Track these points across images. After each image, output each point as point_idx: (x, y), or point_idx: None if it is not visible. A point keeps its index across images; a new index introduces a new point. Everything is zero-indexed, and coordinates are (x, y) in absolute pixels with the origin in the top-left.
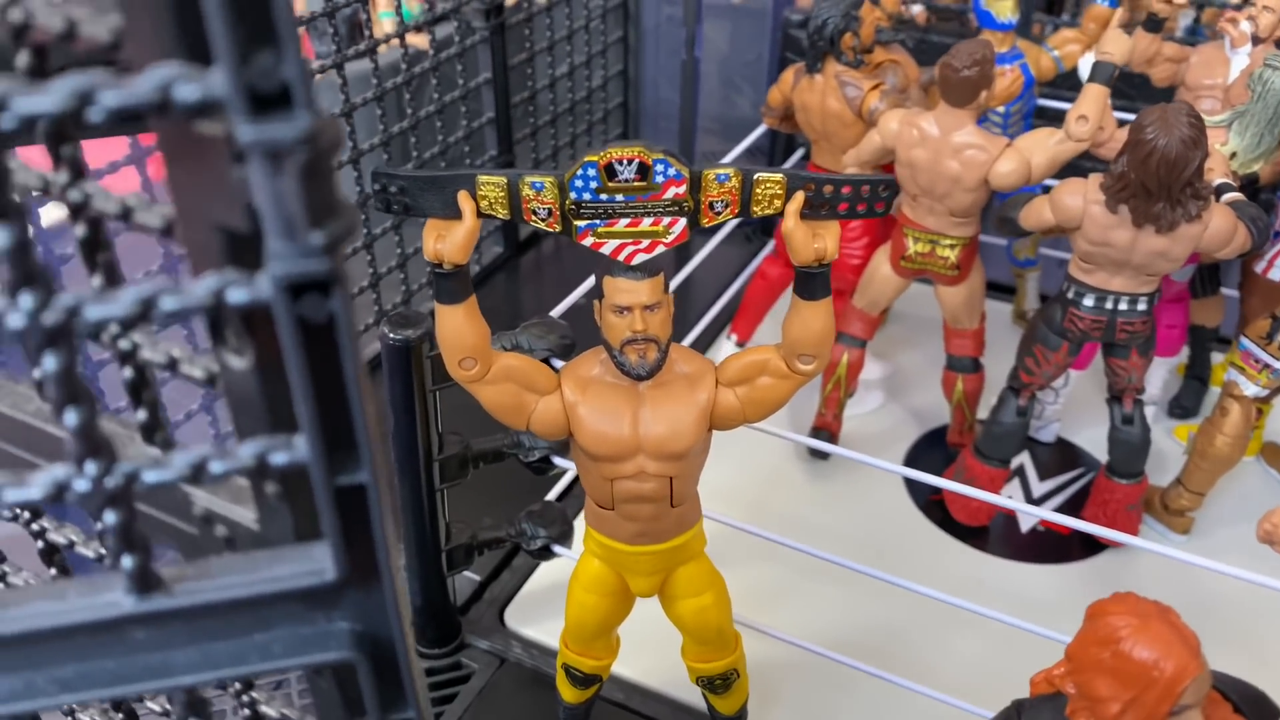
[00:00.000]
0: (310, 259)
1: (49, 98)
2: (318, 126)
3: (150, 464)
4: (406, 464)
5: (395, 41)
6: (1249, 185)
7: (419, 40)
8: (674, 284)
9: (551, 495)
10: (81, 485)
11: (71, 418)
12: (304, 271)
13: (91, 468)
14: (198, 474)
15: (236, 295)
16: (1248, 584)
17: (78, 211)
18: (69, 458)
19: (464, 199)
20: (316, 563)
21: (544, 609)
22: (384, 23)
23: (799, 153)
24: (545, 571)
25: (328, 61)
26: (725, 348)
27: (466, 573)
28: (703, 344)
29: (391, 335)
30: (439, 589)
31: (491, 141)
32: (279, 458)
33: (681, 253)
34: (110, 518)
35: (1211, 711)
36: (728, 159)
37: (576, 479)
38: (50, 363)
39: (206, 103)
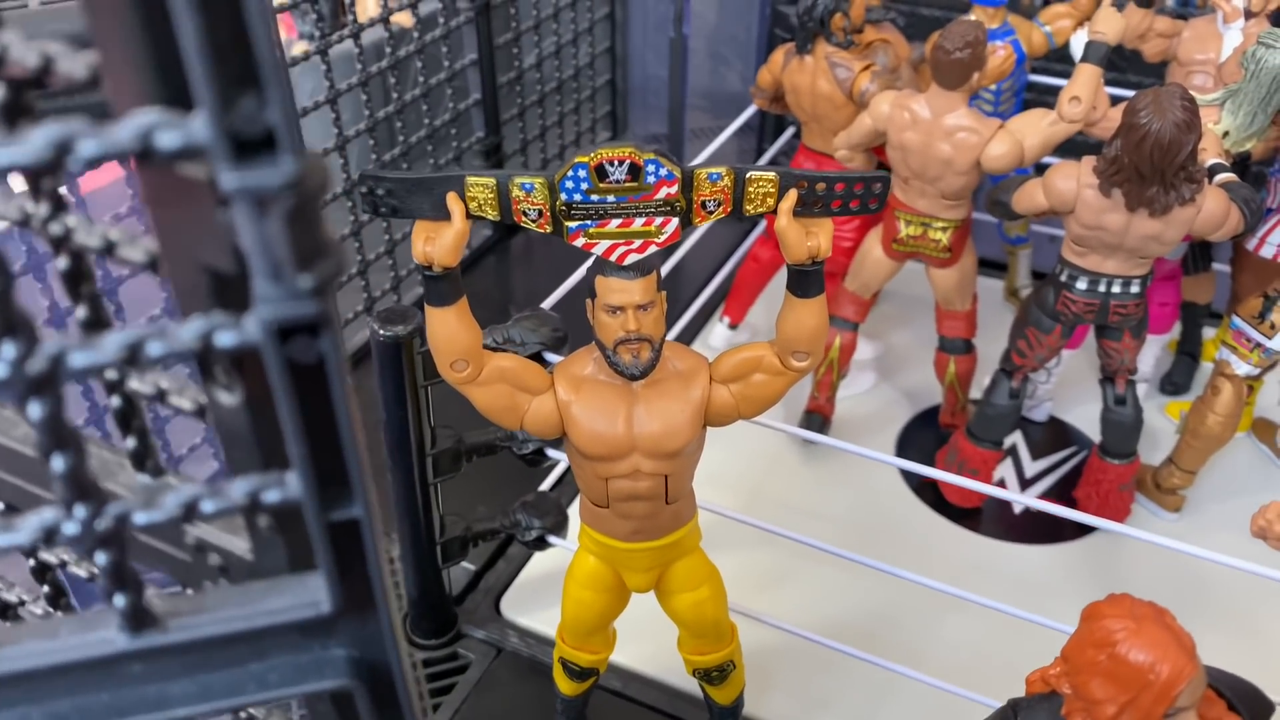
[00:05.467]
0: (298, 301)
1: (26, 149)
2: (303, 170)
3: (140, 505)
4: (399, 459)
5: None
6: (1241, 161)
7: (403, 18)
8: (666, 267)
9: (545, 485)
10: (71, 528)
11: (59, 463)
12: (292, 315)
13: (81, 511)
14: (189, 513)
15: (224, 339)
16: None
17: (59, 245)
18: (57, 501)
19: (453, 200)
20: (311, 594)
21: (540, 598)
22: (367, 1)
23: (789, 131)
24: (540, 561)
25: (311, 47)
26: (718, 330)
27: (462, 562)
28: (695, 327)
29: (382, 332)
30: (434, 581)
31: (479, 123)
32: (271, 495)
33: None
34: (101, 558)
35: (1206, 710)
36: (719, 139)
37: (570, 469)
38: (35, 410)
39: (188, 149)
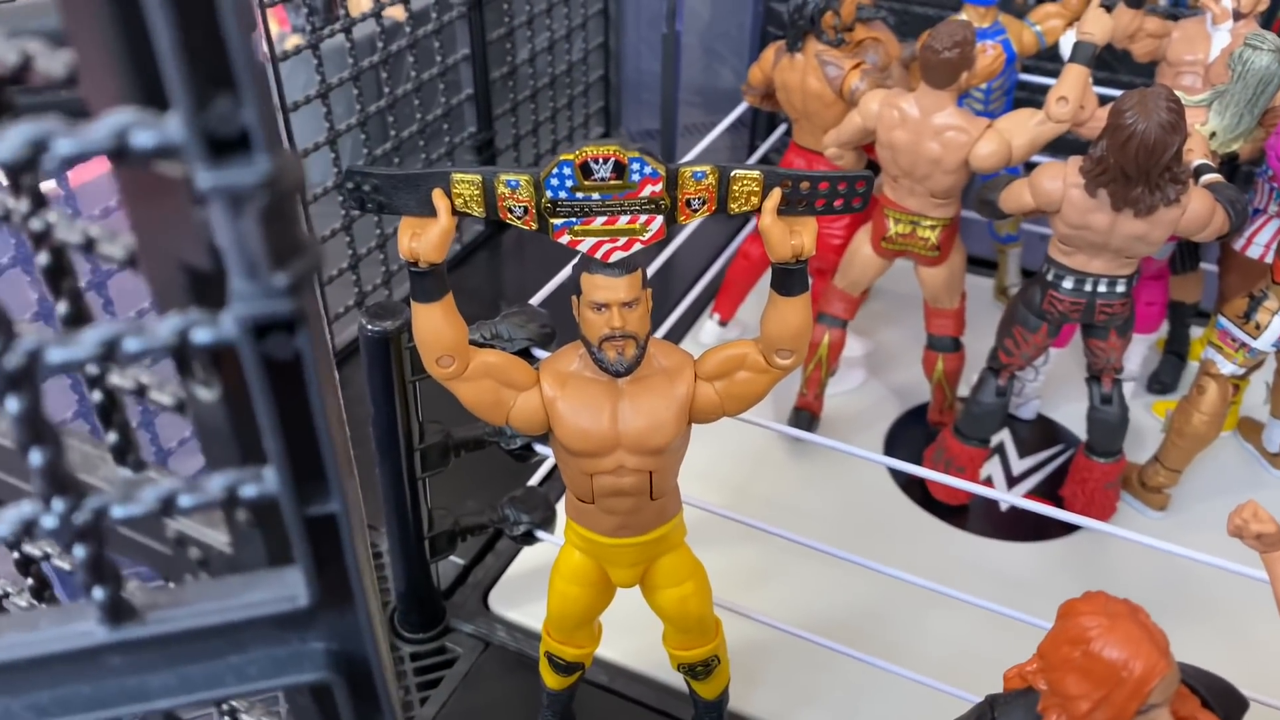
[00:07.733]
0: (274, 299)
1: (3, 147)
2: (279, 169)
3: (118, 499)
4: (388, 453)
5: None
6: (1229, 161)
7: (396, 12)
8: (657, 264)
9: (533, 481)
10: (49, 522)
11: (36, 458)
12: (268, 312)
13: (59, 505)
14: (167, 508)
15: (201, 335)
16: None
17: (39, 240)
18: (36, 495)
19: (438, 197)
20: (289, 588)
21: (528, 592)
22: None
23: (781, 128)
24: (529, 555)
25: (303, 42)
26: (708, 327)
27: (451, 556)
28: (685, 323)
29: (370, 327)
30: (422, 575)
31: (471, 118)
32: (249, 490)
33: None
34: (80, 552)
35: (1180, 706)
36: (711, 135)
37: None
38: (13, 405)
39: (163, 149)
